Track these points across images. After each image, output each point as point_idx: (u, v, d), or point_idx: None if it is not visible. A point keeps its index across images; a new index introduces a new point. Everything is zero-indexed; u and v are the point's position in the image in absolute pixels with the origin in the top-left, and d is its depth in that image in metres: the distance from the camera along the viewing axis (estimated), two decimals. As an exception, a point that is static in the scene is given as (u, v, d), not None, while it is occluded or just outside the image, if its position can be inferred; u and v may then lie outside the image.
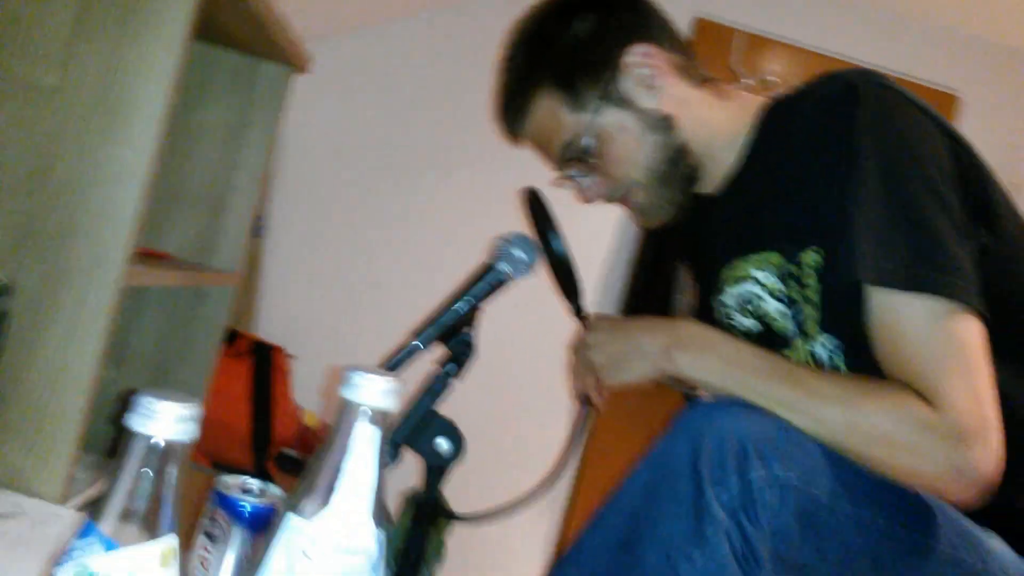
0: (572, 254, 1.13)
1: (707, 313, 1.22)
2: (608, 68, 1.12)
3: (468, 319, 1.09)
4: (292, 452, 2.21)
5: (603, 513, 0.91)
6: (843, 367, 1.00)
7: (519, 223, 1.18)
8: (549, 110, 1.14)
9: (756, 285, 1.07)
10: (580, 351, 1.11)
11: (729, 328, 1.13)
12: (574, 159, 1.14)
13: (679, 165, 1.13)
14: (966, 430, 0.85)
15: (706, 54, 2.81)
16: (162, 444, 0.51)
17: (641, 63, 1.12)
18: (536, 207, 1.15)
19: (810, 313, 1.01)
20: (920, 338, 0.88)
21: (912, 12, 2.87)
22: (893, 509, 0.88)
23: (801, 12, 2.88)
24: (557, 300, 1.20)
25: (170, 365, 1.50)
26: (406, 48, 2.80)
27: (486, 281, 1.08)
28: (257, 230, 2.28)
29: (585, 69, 1.12)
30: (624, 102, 1.12)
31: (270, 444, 2.07)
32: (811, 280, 1.00)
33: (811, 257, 0.99)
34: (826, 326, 1.00)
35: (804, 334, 1.03)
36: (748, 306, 1.10)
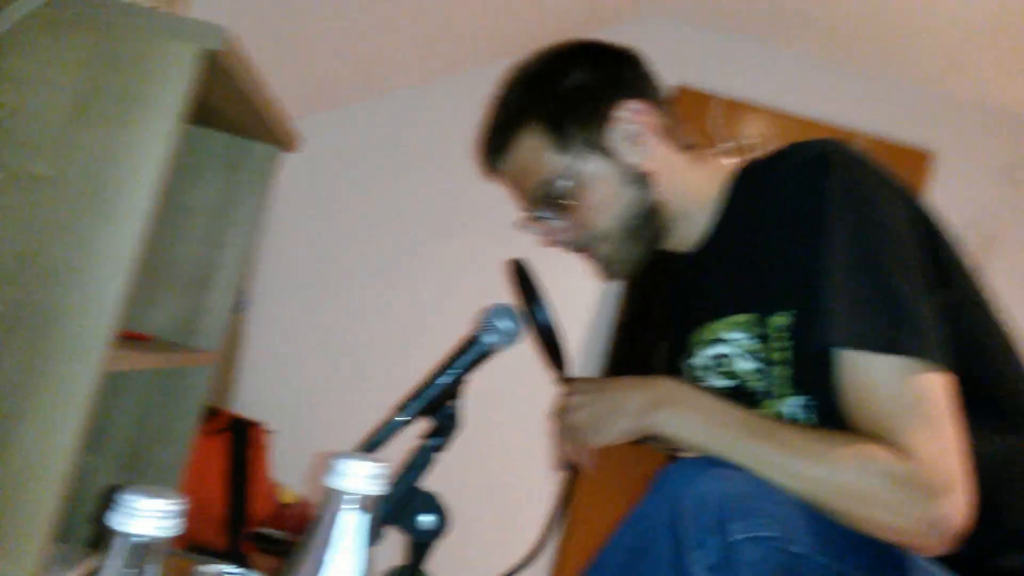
0: (558, 323, 1.13)
1: (676, 372, 1.23)
2: (599, 118, 1.14)
3: (453, 392, 1.08)
4: (269, 530, 2.16)
5: None
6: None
7: (504, 297, 1.18)
8: (533, 147, 1.15)
9: (729, 346, 1.10)
10: (562, 415, 1.11)
11: None
12: (548, 199, 1.15)
13: (650, 223, 1.15)
14: (936, 484, 0.87)
15: (685, 119, 2.86)
16: (144, 541, 0.50)
17: (631, 119, 1.14)
18: (522, 278, 1.15)
19: (781, 373, 1.04)
20: (890, 396, 0.90)
21: (886, 73, 2.95)
22: (869, 561, 0.90)
23: (777, 77, 2.95)
24: (541, 365, 1.20)
25: (147, 446, 1.47)
26: (387, 124, 2.83)
27: (471, 353, 1.08)
28: (239, 305, 2.26)
29: (576, 114, 1.14)
30: (608, 153, 1.14)
31: (246, 523, 2.02)
32: (782, 342, 1.02)
33: (781, 319, 1.01)
34: (797, 385, 1.02)
35: (775, 394, 1.05)
36: (721, 367, 1.12)
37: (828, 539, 0.88)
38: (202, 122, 1.45)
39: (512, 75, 1.21)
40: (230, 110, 1.28)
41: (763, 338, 1.04)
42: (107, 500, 1.43)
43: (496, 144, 1.19)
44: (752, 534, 0.84)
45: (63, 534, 1.44)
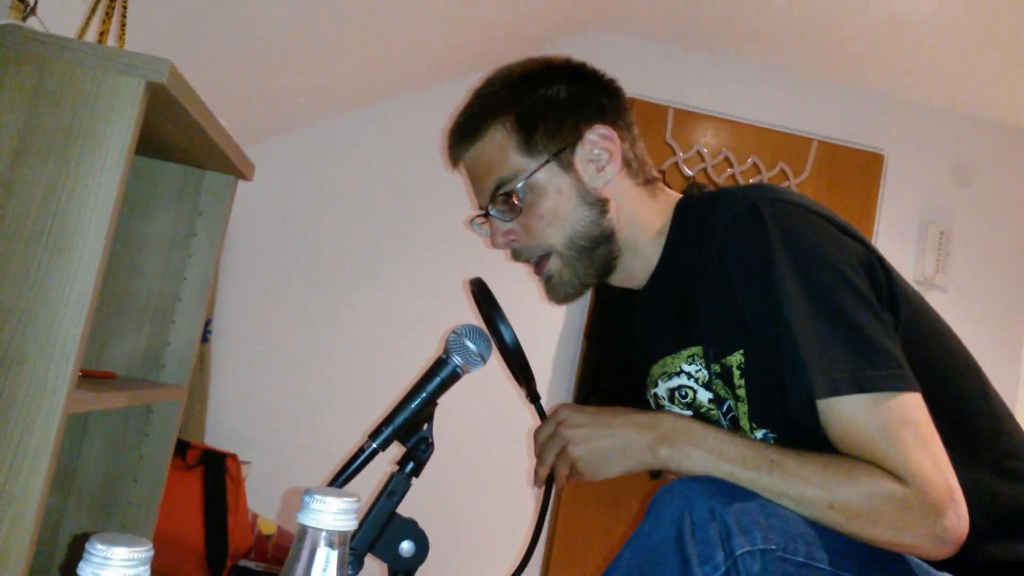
0: (519, 340, 1.14)
1: (635, 401, 1.25)
2: (569, 133, 1.16)
3: (424, 416, 1.08)
4: (249, 563, 2.13)
5: None
6: None
7: (468, 315, 1.18)
8: (500, 144, 1.16)
9: (687, 378, 1.13)
10: (554, 441, 1.10)
11: None
12: (502, 198, 1.16)
13: (600, 247, 1.17)
14: (938, 501, 0.91)
15: (641, 131, 2.89)
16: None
17: (599, 144, 1.17)
18: (483, 297, 1.15)
19: (741, 408, 1.07)
20: (876, 428, 0.94)
21: (836, 79, 3.00)
22: (870, 566, 0.93)
23: (730, 86, 2.99)
24: (509, 382, 1.20)
25: (120, 486, 1.45)
26: (340, 147, 2.83)
27: (440, 376, 1.08)
28: (203, 335, 2.24)
29: (548, 122, 1.15)
30: (570, 169, 1.16)
31: (226, 557, 2.00)
32: (737, 380, 1.06)
33: (736, 358, 1.05)
34: (758, 420, 1.06)
35: (738, 428, 1.08)
36: (682, 399, 1.15)
37: (829, 546, 0.92)
38: (155, 154, 1.44)
39: (496, 73, 1.22)
40: (182, 141, 1.28)
41: (720, 375, 1.08)
42: (78, 547, 1.41)
43: (465, 132, 1.19)
44: (755, 547, 0.88)
45: (36, 581, 1.41)
